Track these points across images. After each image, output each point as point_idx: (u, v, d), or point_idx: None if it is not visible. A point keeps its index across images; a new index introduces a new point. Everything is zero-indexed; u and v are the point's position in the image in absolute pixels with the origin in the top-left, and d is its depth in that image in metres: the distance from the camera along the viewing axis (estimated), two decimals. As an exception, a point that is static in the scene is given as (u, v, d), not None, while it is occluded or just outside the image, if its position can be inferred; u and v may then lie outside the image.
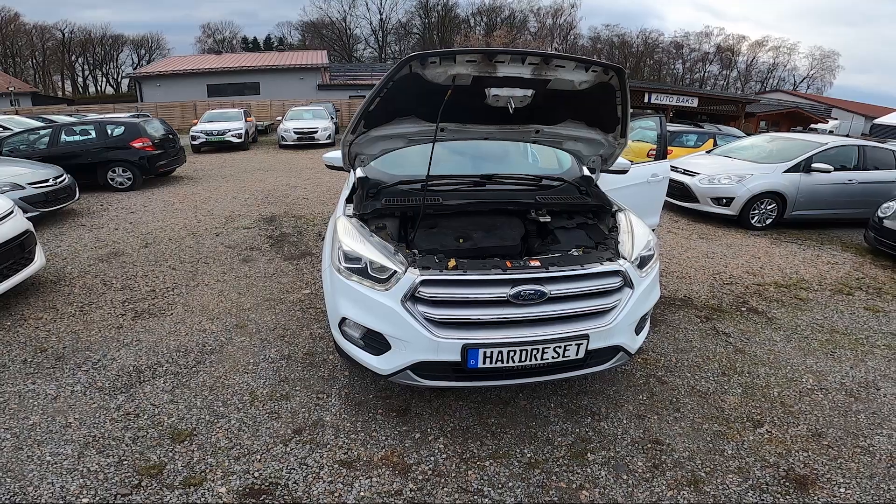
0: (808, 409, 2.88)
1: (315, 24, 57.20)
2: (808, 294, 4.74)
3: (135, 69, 46.14)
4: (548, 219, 2.99)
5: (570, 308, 2.33)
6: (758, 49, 59.30)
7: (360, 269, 2.38)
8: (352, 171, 3.27)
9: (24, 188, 6.18)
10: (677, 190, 7.83)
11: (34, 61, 53.39)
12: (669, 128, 11.90)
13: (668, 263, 5.43)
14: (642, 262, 2.57)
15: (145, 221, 6.83)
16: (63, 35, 54.62)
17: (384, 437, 2.56)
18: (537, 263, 2.34)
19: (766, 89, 50.72)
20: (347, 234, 2.54)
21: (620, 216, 2.92)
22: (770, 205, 7.13)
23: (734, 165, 7.63)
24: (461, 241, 2.73)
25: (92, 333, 3.66)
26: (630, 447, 2.51)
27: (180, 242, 5.86)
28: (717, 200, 7.27)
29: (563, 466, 2.37)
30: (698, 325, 3.95)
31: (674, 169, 8.25)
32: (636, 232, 2.71)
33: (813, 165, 7.08)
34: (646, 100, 20.57)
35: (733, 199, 7.12)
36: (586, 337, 2.32)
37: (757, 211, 7.14)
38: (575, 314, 2.35)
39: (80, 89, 57.45)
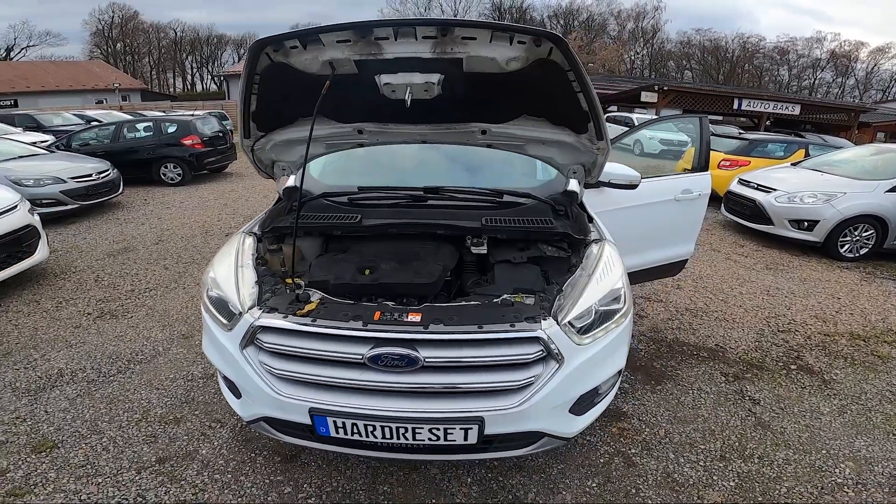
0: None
1: (394, 25, 58.78)
2: (893, 350, 3.59)
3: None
4: (483, 250, 2.32)
5: (457, 382, 1.71)
6: (879, 56, 51.77)
7: (220, 302, 1.96)
8: (274, 179, 2.82)
9: (65, 182, 6.56)
10: (747, 209, 6.61)
11: (150, 59, 58.67)
12: (750, 136, 10.31)
13: (709, 300, 4.45)
14: (604, 318, 1.86)
15: (172, 217, 7.00)
16: (175, 34, 59.68)
17: (249, 485, 2.16)
18: (417, 318, 1.75)
19: (889, 98, 43.78)
20: (221, 259, 2.16)
21: (592, 250, 2.16)
22: (867, 231, 5.74)
23: (823, 181, 6.25)
24: (367, 272, 2.15)
25: (50, 331, 3.62)
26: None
27: (189, 241, 5.87)
28: (797, 223, 5.98)
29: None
30: (721, 385, 3.06)
31: (745, 183, 7.01)
32: (599, 276, 1.96)
33: (928, 184, 5.60)
34: (735, 106, 18.27)
35: (818, 222, 5.81)
36: (479, 420, 1.68)
37: (849, 238, 5.78)
38: (464, 391, 1.72)
39: (189, 86, 62.87)
